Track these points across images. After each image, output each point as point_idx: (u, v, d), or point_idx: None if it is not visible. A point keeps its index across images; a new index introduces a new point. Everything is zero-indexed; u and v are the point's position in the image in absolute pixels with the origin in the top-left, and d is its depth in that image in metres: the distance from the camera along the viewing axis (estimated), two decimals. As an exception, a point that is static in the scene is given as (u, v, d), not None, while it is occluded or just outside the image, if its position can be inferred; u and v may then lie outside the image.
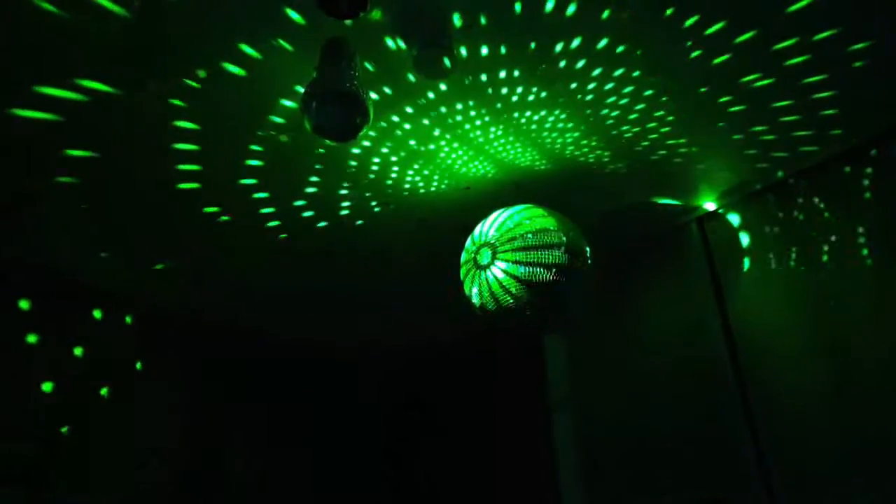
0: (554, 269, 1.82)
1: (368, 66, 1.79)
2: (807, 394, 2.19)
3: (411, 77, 1.84)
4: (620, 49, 1.79)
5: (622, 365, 2.79)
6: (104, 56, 1.67)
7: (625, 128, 2.14)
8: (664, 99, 2.00)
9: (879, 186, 2.19)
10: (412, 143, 2.13)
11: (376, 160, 2.20)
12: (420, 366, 3.85)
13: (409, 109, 1.98)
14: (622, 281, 2.89)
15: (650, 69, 1.87)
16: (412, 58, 1.71)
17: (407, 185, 2.35)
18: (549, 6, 1.63)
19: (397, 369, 3.93)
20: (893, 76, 1.94)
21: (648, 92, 1.97)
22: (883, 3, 1.68)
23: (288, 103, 1.89)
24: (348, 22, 1.61)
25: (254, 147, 2.07)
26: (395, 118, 2.01)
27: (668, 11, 1.68)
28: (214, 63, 1.72)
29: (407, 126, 2.05)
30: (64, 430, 2.50)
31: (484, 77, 1.87)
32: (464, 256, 1.99)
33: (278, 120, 1.96)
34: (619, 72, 1.88)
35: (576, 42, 1.76)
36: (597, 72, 1.88)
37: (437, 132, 2.10)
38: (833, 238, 2.26)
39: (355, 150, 2.14)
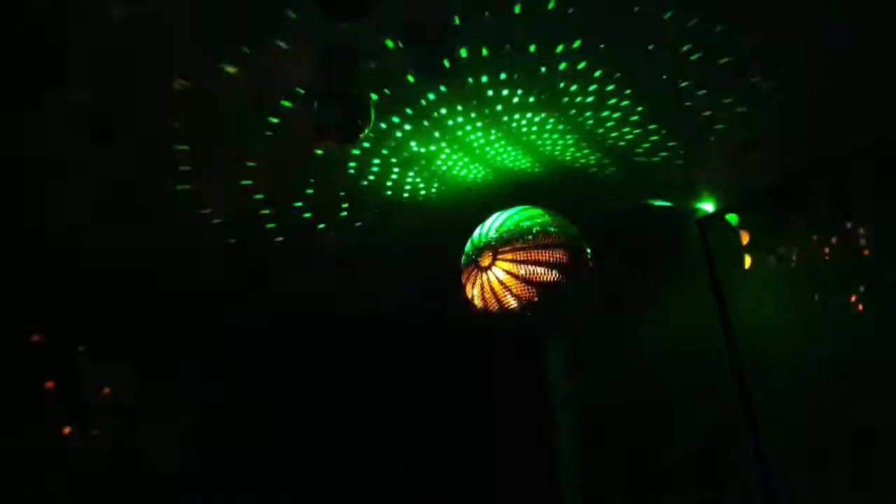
0: (554, 270, 1.82)
1: (369, 66, 1.79)
2: (807, 394, 2.19)
3: (411, 79, 1.84)
4: (622, 49, 1.79)
5: (623, 365, 2.79)
6: (104, 56, 1.67)
7: (626, 129, 2.14)
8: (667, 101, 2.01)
9: (881, 188, 2.19)
10: (413, 144, 2.13)
11: (377, 161, 2.20)
12: (420, 366, 3.85)
13: (408, 111, 1.98)
14: (623, 282, 2.89)
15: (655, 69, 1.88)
16: (413, 59, 1.70)
17: (407, 187, 2.35)
18: (551, 6, 1.63)
19: (397, 369, 3.93)
20: (893, 76, 1.94)
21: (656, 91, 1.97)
22: (885, 6, 1.68)
23: (289, 104, 1.89)
24: (349, 23, 1.60)
25: (254, 147, 2.06)
26: (396, 119, 2.01)
27: (668, 14, 1.68)
28: (215, 63, 1.72)
29: (407, 127, 2.05)
30: (64, 430, 2.50)
31: (484, 79, 1.87)
32: (464, 258, 1.99)
33: (274, 121, 1.96)
34: (619, 73, 1.88)
35: (576, 44, 1.76)
36: (597, 73, 1.88)
37: (437, 133, 2.09)
38: (833, 239, 2.26)
39: (355, 152, 2.14)
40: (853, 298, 2.16)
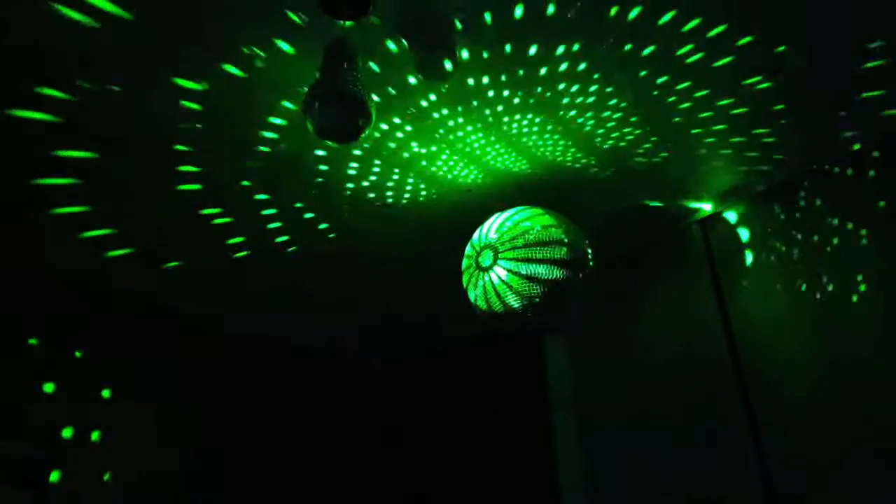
0: (555, 270, 1.82)
1: (371, 66, 1.79)
2: (808, 394, 2.19)
3: (412, 79, 1.84)
4: (625, 49, 1.80)
5: (623, 366, 2.79)
6: (104, 56, 1.67)
7: (626, 129, 2.14)
8: (668, 101, 2.00)
9: (882, 189, 2.19)
10: (414, 144, 2.13)
11: (377, 162, 2.20)
12: (421, 366, 3.85)
13: (412, 110, 1.98)
14: (624, 282, 2.89)
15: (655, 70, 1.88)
16: (414, 59, 1.70)
17: (408, 187, 2.35)
18: (551, 10, 1.64)
19: (397, 369, 3.93)
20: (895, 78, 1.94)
21: (652, 93, 1.97)
22: (886, 4, 1.68)
23: (290, 105, 1.89)
24: (350, 23, 1.60)
25: (256, 148, 2.06)
26: (397, 120, 2.01)
27: (669, 14, 1.68)
28: (216, 64, 1.72)
29: (408, 128, 2.05)
30: (65, 431, 2.50)
31: (486, 79, 1.88)
32: (465, 259, 1.99)
33: (279, 121, 1.96)
34: (620, 74, 1.89)
35: (576, 46, 1.77)
36: (598, 74, 1.88)
37: (438, 134, 2.10)
38: (835, 240, 2.26)
39: (356, 152, 2.14)
40: (855, 299, 2.16)
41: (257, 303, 3.09)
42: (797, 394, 2.22)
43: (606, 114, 2.06)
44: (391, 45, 1.72)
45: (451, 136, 2.12)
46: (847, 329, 2.16)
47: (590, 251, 1.93)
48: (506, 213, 1.97)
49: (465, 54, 1.77)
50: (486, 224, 1.98)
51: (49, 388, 2.51)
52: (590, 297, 1.94)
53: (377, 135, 2.07)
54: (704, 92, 1.97)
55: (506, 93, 1.94)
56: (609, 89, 1.94)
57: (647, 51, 1.80)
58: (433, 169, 2.27)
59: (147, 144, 2.00)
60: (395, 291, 3.13)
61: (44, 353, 2.53)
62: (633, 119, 2.09)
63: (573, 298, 1.87)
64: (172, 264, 2.66)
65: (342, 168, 2.21)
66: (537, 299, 1.82)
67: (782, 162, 2.33)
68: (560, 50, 1.78)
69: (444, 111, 2.00)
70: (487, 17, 1.66)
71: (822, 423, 2.13)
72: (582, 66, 1.85)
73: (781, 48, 1.80)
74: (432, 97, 1.93)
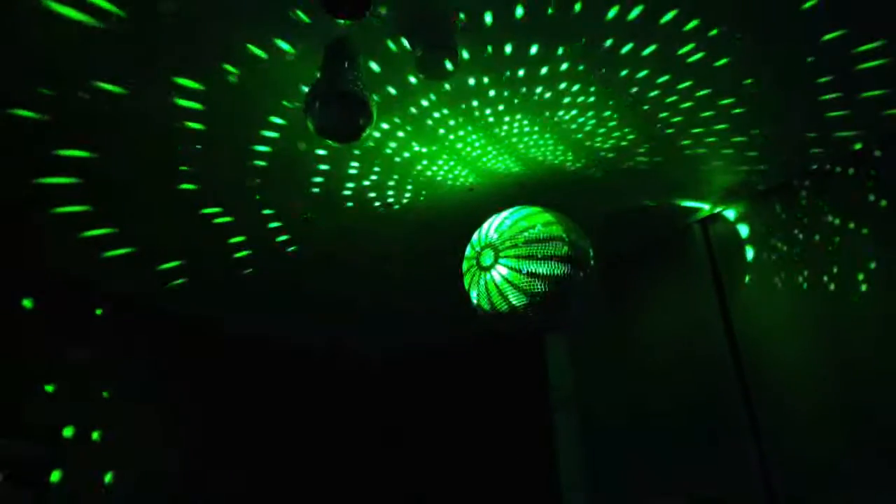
0: (557, 270, 1.82)
1: (372, 66, 1.79)
2: (808, 394, 2.19)
3: (412, 79, 1.84)
4: (625, 49, 1.79)
5: (624, 365, 2.79)
6: (105, 57, 1.67)
7: (626, 130, 2.14)
8: (669, 101, 2.00)
9: (883, 189, 2.19)
10: (415, 144, 2.13)
11: (377, 161, 2.19)
12: (421, 366, 3.85)
13: (413, 110, 1.98)
14: (625, 282, 2.89)
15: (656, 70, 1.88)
16: (416, 59, 1.70)
17: (409, 187, 2.34)
18: (550, 11, 1.63)
19: (397, 369, 3.93)
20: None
21: (653, 93, 1.97)
22: (888, 3, 1.68)
23: (289, 104, 1.89)
24: (349, 22, 1.60)
25: (256, 148, 2.06)
26: (398, 120, 2.01)
27: (670, 14, 1.68)
28: (216, 64, 1.72)
29: (409, 128, 2.05)
30: (65, 430, 2.50)
31: (486, 80, 1.87)
32: (466, 258, 1.99)
33: (279, 121, 1.96)
34: (623, 73, 1.88)
35: (580, 42, 1.76)
36: (600, 72, 1.88)
37: (440, 132, 2.09)
38: (836, 239, 2.26)
39: (356, 152, 2.14)
40: (856, 298, 2.16)
41: (257, 303, 3.09)
42: (798, 394, 2.22)
43: (607, 113, 2.06)
44: (391, 45, 1.72)
45: (451, 137, 2.11)
46: (848, 328, 2.16)
47: (591, 251, 1.92)
48: (506, 213, 1.96)
49: (465, 54, 1.77)
50: (487, 223, 1.98)
51: (49, 388, 2.50)
52: (591, 297, 1.94)
53: (377, 134, 2.07)
54: (706, 91, 1.97)
55: (506, 93, 1.93)
56: (609, 89, 1.94)
57: (648, 50, 1.80)
58: (433, 169, 2.26)
59: (147, 144, 2.00)
60: (395, 291, 3.12)
61: (44, 353, 2.53)
62: (634, 119, 2.08)
63: (574, 298, 1.87)
64: (172, 264, 2.66)
65: (343, 167, 2.20)
66: (538, 299, 1.81)
67: (784, 161, 2.33)
68: (560, 50, 1.78)
69: (445, 111, 2.00)
70: (488, 16, 1.65)
71: (823, 423, 2.13)
72: (582, 67, 1.85)
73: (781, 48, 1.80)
74: (433, 97, 1.93)
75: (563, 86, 1.93)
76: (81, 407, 2.58)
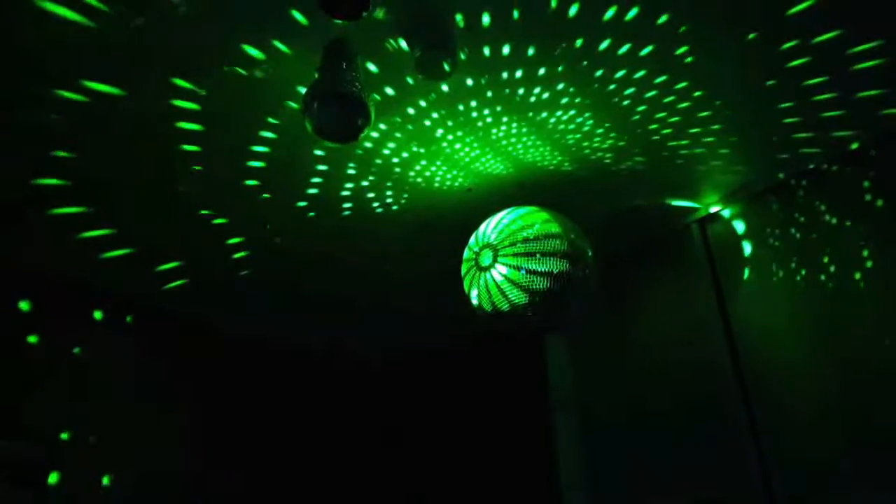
0: (556, 271, 1.82)
1: (370, 67, 1.79)
2: (808, 394, 2.19)
3: (410, 80, 1.84)
4: (624, 49, 1.80)
5: (624, 365, 2.79)
6: (106, 57, 1.67)
7: (626, 130, 2.14)
8: (667, 101, 2.01)
9: (880, 189, 2.19)
10: (414, 144, 2.13)
11: (377, 162, 2.20)
12: (421, 366, 3.85)
13: (410, 111, 1.98)
14: (624, 282, 2.89)
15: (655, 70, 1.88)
16: (414, 59, 1.71)
17: (408, 186, 2.35)
18: (553, 5, 1.64)
19: (397, 369, 3.93)
20: (895, 77, 1.94)
21: (651, 94, 1.97)
22: (884, 4, 1.68)
23: (290, 104, 1.89)
24: (349, 23, 1.61)
25: (256, 148, 2.07)
26: (398, 119, 2.01)
27: (664, 17, 1.69)
28: (216, 64, 1.73)
29: (410, 127, 2.05)
30: (64, 431, 2.50)
31: (484, 81, 1.88)
32: (465, 258, 1.99)
33: (273, 121, 1.96)
34: (620, 73, 1.89)
35: (578, 43, 1.77)
36: (598, 73, 1.88)
37: (439, 132, 2.10)
38: (834, 240, 2.26)
39: (357, 152, 2.14)
40: (854, 298, 2.16)
41: (257, 303, 3.09)
42: (797, 393, 2.22)
43: (605, 113, 2.06)
44: (391, 45, 1.72)
45: (444, 143, 2.12)
46: (847, 328, 2.16)
47: (590, 251, 1.93)
48: (505, 213, 1.97)
49: (462, 55, 1.77)
50: (486, 224, 1.98)
51: (49, 388, 2.51)
52: (590, 297, 1.94)
53: (375, 135, 2.07)
54: (702, 92, 1.97)
55: (506, 92, 1.94)
56: (611, 87, 1.94)
57: (645, 51, 1.80)
58: (432, 169, 2.27)
59: (147, 144, 2.00)
60: (395, 291, 3.13)
61: (44, 353, 2.53)
62: (635, 119, 2.09)
63: (573, 297, 1.87)
64: (172, 265, 2.66)
65: (342, 167, 2.21)
66: (537, 298, 1.82)
67: (783, 161, 2.33)
68: (560, 48, 1.78)
69: (443, 111, 2.00)
70: (485, 17, 1.66)
71: (823, 422, 2.13)
72: (583, 65, 1.85)
73: (781, 48, 1.80)
74: (432, 95, 1.93)
75: (560, 86, 1.93)
76: (81, 407, 2.58)
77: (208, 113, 1.89)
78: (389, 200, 2.41)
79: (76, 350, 2.64)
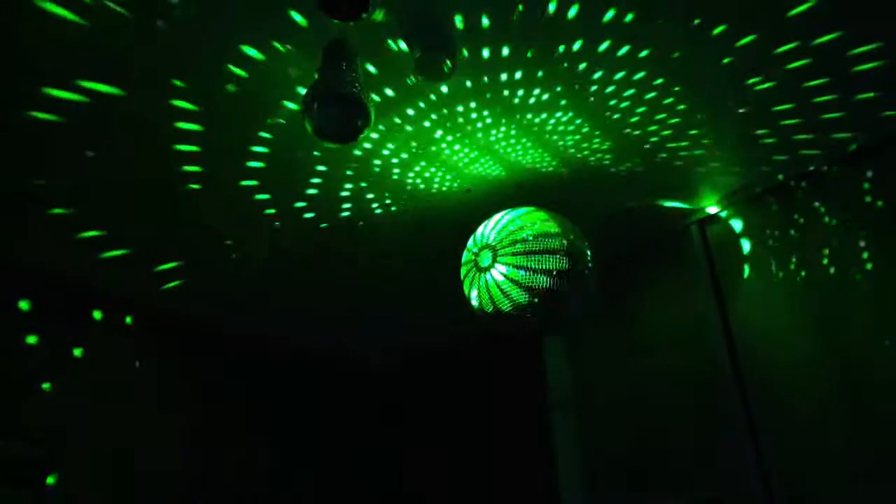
0: (555, 272, 1.82)
1: (369, 67, 1.79)
2: (807, 395, 2.20)
3: (410, 80, 1.84)
4: (623, 51, 1.80)
5: (623, 366, 2.79)
6: (105, 57, 1.67)
7: (626, 131, 2.14)
8: (666, 102, 2.01)
9: (880, 190, 2.19)
10: (413, 145, 2.13)
11: (377, 162, 2.20)
12: (420, 366, 3.85)
13: (410, 111, 1.98)
14: (623, 283, 2.89)
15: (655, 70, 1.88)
16: (414, 60, 1.71)
17: (408, 188, 2.35)
18: (552, 8, 1.64)
19: (397, 369, 3.93)
20: (894, 79, 1.94)
21: (650, 95, 1.98)
22: (885, 6, 1.69)
23: (290, 105, 1.90)
24: (349, 23, 1.61)
25: (255, 148, 2.07)
26: (397, 119, 2.02)
27: (661, 20, 1.69)
28: (216, 64, 1.73)
29: (409, 128, 2.05)
30: (64, 431, 2.50)
31: (485, 80, 1.88)
32: (464, 259, 1.99)
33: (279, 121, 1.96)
34: (620, 74, 1.89)
35: (577, 44, 1.77)
36: (598, 75, 1.88)
37: (438, 133, 2.10)
38: (834, 241, 2.26)
39: (357, 152, 2.14)
40: (854, 299, 2.16)
41: (257, 303, 3.09)
42: (796, 393, 2.22)
43: (606, 114, 2.06)
44: (391, 45, 1.72)
45: (440, 148, 2.12)
46: (846, 329, 2.16)
47: (589, 252, 1.93)
48: (505, 214, 1.97)
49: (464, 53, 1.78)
50: (485, 224, 1.98)
51: (49, 388, 2.51)
52: (589, 297, 1.94)
53: (375, 136, 2.07)
54: (702, 92, 1.98)
55: (506, 92, 1.94)
56: (610, 89, 1.95)
57: (644, 53, 1.81)
58: (431, 170, 2.27)
59: (147, 144, 2.01)
60: (395, 291, 3.13)
61: (44, 353, 2.53)
62: (634, 120, 2.09)
63: (572, 298, 1.87)
64: (171, 265, 2.67)
65: (342, 167, 2.21)
66: (536, 299, 1.82)
67: (782, 163, 2.33)
68: (560, 49, 1.78)
69: (444, 112, 2.00)
70: (484, 19, 1.66)
71: (822, 422, 2.14)
72: (582, 66, 1.85)
73: (780, 49, 1.80)
74: (433, 96, 1.94)
75: (559, 88, 1.93)
76: (80, 407, 2.59)
77: (208, 113, 1.89)
78: (389, 201, 2.41)
79: (76, 350, 2.64)
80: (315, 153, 2.12)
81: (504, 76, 1.87)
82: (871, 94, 1.99)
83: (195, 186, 2.20)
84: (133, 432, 2.73)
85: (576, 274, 1.83)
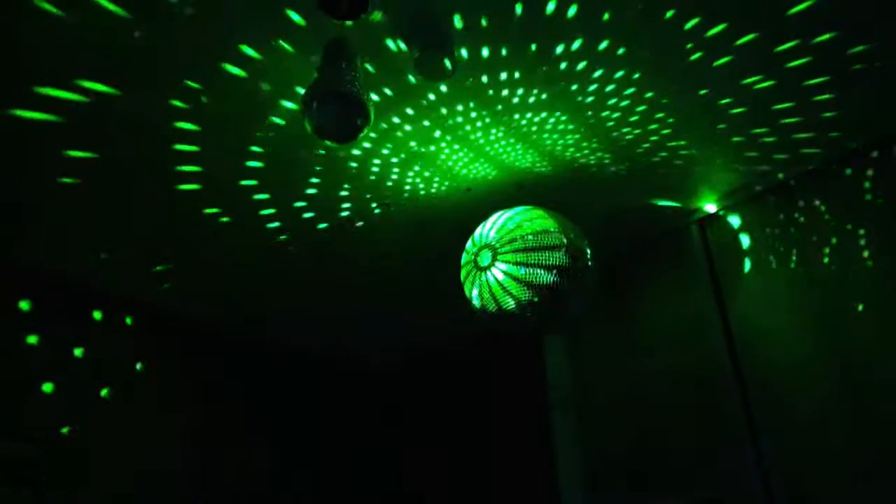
0: (554, 271, 1.82)
1: (369, 67, 1.79)
2: (806, 395, 2.19)
3: (412, 78, 1.84)
4: (622, 51, 1.80)
5: (622, 365, 2.79)
6: (105, 57, 1.67)
7: (625, 130, 2.14)
8: (665, 101, 2.01)
9: (880, 189, 2.19)
10: (413, 144, 2.13)
11: (377, 161, 2.20)
12: (420, 366, 3.85)
13: (409, 111, 1.98)
14: (623, 282, 2.89)
15: (654, 70, 1.88)
16: (413, 59, 1.71)
17: (407, 187, 2.35)
18: (551, 8, 1.64)
19: (397, 369, 3.93)
20: (894, 78, 1.94)
21: (649, 94, 1.98)
22: (883, 6, 1.69)
23: (289, 104, 1.90)
24: (349, 23, 1.61)
25: (254, 148, 2.07)
26: (396, 119, 2.02)
27: (669, 14, 1.68)
28: (215, 64, 1.73)
29: (408, 128, 2.05)
30: (64, 430, 2.50)
31: (485, 79, 1.88)
32: (464, 258, 1.99)
33: (278, 120, 1.96)
34: (619, 73, 1.89)
35: (576, 44, 1.77)
36: (598, 73, 1.88)
37: (437, 133, 2.10)
38: (834, 240, 2.26)
39: (356, 152, 2.14)
40: (853, 298, 2.16)
41: (257, 303, 3.09)
42: (796, 393, 2.22)
43: (605, 113, 2.06)
44: (390, 45, 1.72)
45: (447, 138, 2.12)
46: (845, 328, 2.16)
47: (589, 251, 1.93)
48: (505, 213, 1.97)
49: (464, 53, 1.78)
50: (485, 224, 1.98)
51: (48, 388, 2.51)
52: (589, 297, 1.94)
53: (374, 135, 2.07)
54: (702, 92, 1.97)
55: (505, 92, 1.94)
56: (609, 88, 1.95)
57: (644, 53, 1.81)
58: (431, 169, 2.27)
59: (146, 144, 2.01)
60: (395, 291, 3.13)
61: (44, 353, 2.53)
62: (633, 119, 2.09)
63: (572, 298, 1.87)
64: (171, 265, 2.66)
65: (341, 169, 2.21)
66: (536, 299, 1.82)
67: (782, 162, 2.33)
68: (559, 49, 1.78)
69: (443, 111, 2.00)
70: (483, 20, 1.66)
71: (822, 422, 2.13)
72: (582, 65, 1.85)
73: (780, 48, 1.80)
74: (431, 97, 1.94)
75: (559, 87, 1.93)
76: (80, 407, 2.59)
77: (207, 113, 1.90)
78: (388, 201, 2.41)
79: (76, 350, 2.65)
80: (316, 152, 2.12)
81: (504, 75, 1.87)
82: (871, 93, 1.99)
83: (195, 186, 2.20)
84: (133, 432, 2.73)
85: (575, 272, 1.83)
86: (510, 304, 1.84)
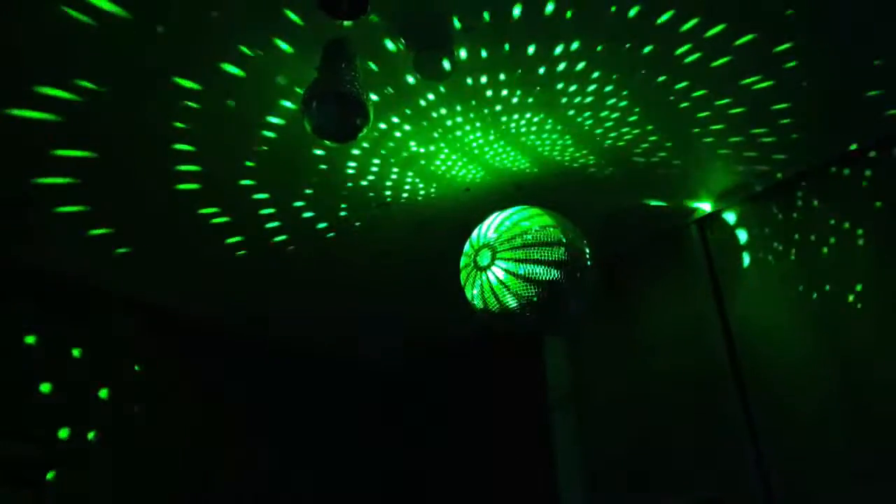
0: (554, 270, 1.82)
1: (369, 66, 1.79)
2: (806, 395, 2.19)
3: (410, 79, 1.85)
4: (621, 51, 1.80)
5: (622, 365, 2.79)
6: (105, 57, 1.68)
7: (624, 130, 2.14)
8: (666, 101, 2.01)
9: (879, 189, 2.19)
10: (412, 144, 2.14)
11: (376, 161, 2.20)
12: (420, 366, 3.85)
13: (408, 111, 1.98)
14: (622, 282, 2.89)
15: (652, 70, 1.88)
16: (412, 59, 1.71)
17: (407, 187, 2.35)
18: (549, 9, 1.64)
19: (398, 369, 3.93)
20: (894, 78, 1.94)
21: (650, 94, 1.98)
22: (882, 6, 1.69)
23: (288, 104, 1.90)
24: (348, 23, 1.61)
25: (253, 148, 2.07)
26: (396, 119, 2.02)
27: (668, 14, 1.69)
28: (214, 64, 1.73)
29: (407, 127, 2.06)
30: (64, 431, 2.50)
31: (484, 79, 1.88)
32: (463, 261, 1.99)
33: (277, 121, 1.97)
34: (617, 74, 1.89)
35: (574, 45, 1.77)
36: (596, 74, 1.89)
37: (436, 134, 2.10)
38: (833, 240, 2.26)
39: (355, 151, 2.14)
40: (852, 298, 2.16)
41: (258, 303, 3.09)
42: (796, 393, 2.22)
43: (604, 113, 2.06)
44: (389, 45, 1.73)
45: (449, 136, 2.12)
46: (845, 328, 2.16)
47: (588, 251, 1.93)
48: (504, 213, 1.97)
49: (462, 54, 1.78)
50: (485, 223, 1.98)
51: (48, 388, 2.51)
52: (588, 297, 1.94)
53: (375, 134, 2.08)
54: (702, 92, 1.97)
55: (504, 92, 1.94)
56: (608, 88, 1.95)
57: (646, 50, 1.81)
58: (431, 169, 2.27)
59: (146, 143, 2.01)
60: (396, 291, 3.13)
61: (44, 353, 2.53)
62: (632, 119, 2.09)
63: (572, 298, 1.87)
64: (171, 265, 2.66)
65: (341, 167, 2.21)
66: (535, 299, 1.82)
67: (781, 162, 2.33)
68: (559, 49, 1.79)
69: (443, 110, 2.00)
70: (486, 15, 1.66)
71: (821, 422, 2.13)
72: (581, 66, 1.85)
73: (778, 48, 1.80)
74: (430, 97, 1.94)
75: (559, 86, 1.94)
76: (80, 407, 2.59)
77: (206, 113, 1.90)
78: (388, 200, 2.41)
79: (76, 350, 2.65)
80: (316, 152, 2.12)
81: (503, 76, 1.87)
82: (872, 93, 1.99)
83: (194, 186, 2.20)
84: (134, 432, 2.73)
85: (575, 271, 1.83)
86: (511, 302, 1.84)
